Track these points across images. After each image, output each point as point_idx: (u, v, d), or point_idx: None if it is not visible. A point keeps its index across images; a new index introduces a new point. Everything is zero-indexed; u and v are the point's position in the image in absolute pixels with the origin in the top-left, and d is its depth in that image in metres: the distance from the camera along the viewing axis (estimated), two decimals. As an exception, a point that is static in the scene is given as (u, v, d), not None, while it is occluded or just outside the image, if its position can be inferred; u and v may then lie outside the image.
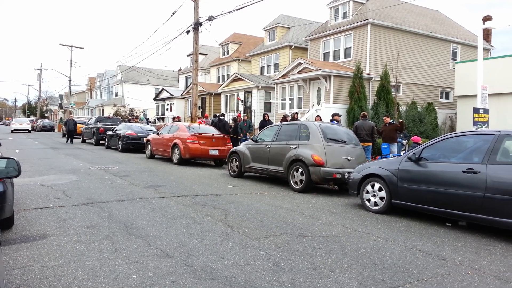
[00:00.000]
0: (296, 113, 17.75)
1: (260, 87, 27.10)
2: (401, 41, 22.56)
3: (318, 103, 21.86)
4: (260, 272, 3.94)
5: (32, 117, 69.70)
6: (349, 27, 22.94)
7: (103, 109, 53.18)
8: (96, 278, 3.64)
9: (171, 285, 3.55)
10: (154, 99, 43.48)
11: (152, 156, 16.07)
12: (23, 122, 44.49)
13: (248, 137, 16.44)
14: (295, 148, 9.51)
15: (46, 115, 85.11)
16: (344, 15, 24.14)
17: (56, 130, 48.13)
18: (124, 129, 19.59)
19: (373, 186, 7.25)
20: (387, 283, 3.82)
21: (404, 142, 14.71)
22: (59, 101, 73.15)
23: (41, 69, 60.97)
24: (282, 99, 25.02)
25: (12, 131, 39.97)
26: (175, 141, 14.29)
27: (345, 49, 23.56)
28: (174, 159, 14.22)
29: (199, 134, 13.97)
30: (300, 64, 22.78)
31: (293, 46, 28.04)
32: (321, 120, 15.08)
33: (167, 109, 39.56)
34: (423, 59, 23.44)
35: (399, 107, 20.34)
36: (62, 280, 3.56)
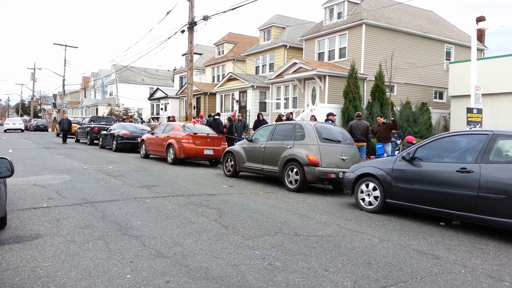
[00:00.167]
0: (291, 113, 17.78)
1: (255, 87, 27.10)
2: (396, 41, 22.66)
3: (313, 103, 21.90)
4: (254, 272, 3.94)
5: (26, 117, 69.27)
6: (344, 27, 23.01)
7: (97, 109, 52.91)
8: (90, 278, 3.62)
9: (165, 285, 3.54)
10: (149, 99, 43.35)
11: (146, 156, 16.02)
12: (16, 121, 44.22)
13: (242, 137, 16.45)
14: (290, 147, 9.52)
15: (39, 114, 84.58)
16: (339, 15, 24.21)
17: (49, 129, 47.85)
18: (118, 128, 19.51)
19: (367, 186, 7.27)
20: (381, 282, 3.83)
21: (398, 141, 14.79)
22: (53, 101, 72.75)
23: (34, 68, 60.60)
24: (277, 99, 25.04)
25: (5, 131, 39.69)
26: (170, 140, 14.25)
27: (340, 49, 23.62)
28: (169, 159, 14.18)
29: (194, 133, 13.95)
30: (295, 64, 22.81)
31: (288, 46, 28.07)
32: (316, 120, 15.12)
33: (161, 109, 39.46)
34: (417, 59, 23.57)
35: (393, 107, 20.43)
36: (56, 281, 3.54)
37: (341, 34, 23.45)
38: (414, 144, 11.82)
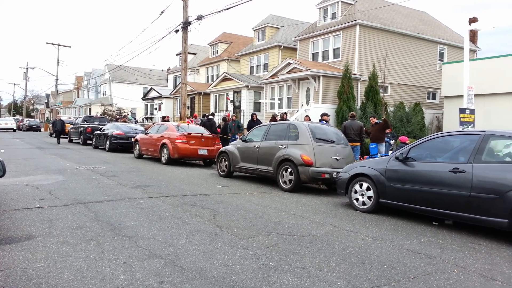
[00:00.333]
0: (285, 113, 17.81)
1: (249, 87, 27.10)
2: (389, 42, 22.78)
3: (307, 103, 21.94)
4: (248, 272, 3.93)
5: (18, 117, 68.68)
6: (337, 28, 23.08)
7: (90, 109, 52.61)
8: (82, 279, 3.60)
9: (159, 285, 3.53)
10: (143, 99, 43.19)
11: (140, 156, 15.95)
12: (8, 121, 43.86)
13: (236, 137, 16.43)
14: (284, 148, 9.53)
15: (32, 114, 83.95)
16: (333, 15, 24.28)
17: (42, 129, 47.50)
18: (111, 128, 19.41)
19: (361, 186, 7.30)
20: (375, 282, 3.85)
21: (392, 142, 14.86)
22: (46, 100, 72.25)
23: (27, 68, 60.13)
24: (271, 99, 25.06)
25: (-3, 131, 39.30)
26: (163, 140, 14.20)
27: (334, 49, 23.69)
28: (163, 159, 14.13)
29: (188, 133, 13.91)
30: (289, 64, 22.84)
31: (282, 46, 28.10)
32: (310, 120, 15.15)
33: (155, 109, 39.34)
34: (411, 60, 23.71)
35: (387, 108, 20.53)
36: (48, 282, 3.51)
37: (335, 35, 23.52)
38: (407, 144, 11.89)
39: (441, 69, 22.45)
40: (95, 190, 8.14)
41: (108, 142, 18.49)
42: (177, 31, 19.82)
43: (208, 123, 17.93)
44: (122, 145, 18.27)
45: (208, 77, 37.06)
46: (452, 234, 5.90)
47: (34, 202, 6.75)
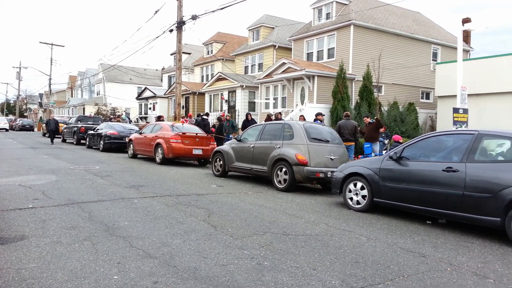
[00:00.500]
0: (280, 112, 17.82)
1: (244, 86, 27.09)
2: (383, 42, 22.87)
3: (302, 102, 21.98)
4: (243, 272, 3.93)
5: (11, 116, 68.13)
6: (332, 28, 23.14)
7: (84, 108, 52.33)
8: (76, 279, 3.58)
9: (153, 285, 3.51)
10: (137, 98, 43.03)
11: (134, 156, 15.89)
12: (0, 121, 43.51)
13: (231, 136, 16.41)
14: (279, 147, 9.53)
15: (25, 114, 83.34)
16: (328, 15, 24.33)
17: (35, 129, 47.17)
18: (105, 128, 19.31)
19: (355, 185, 7.33)
20: (369, 281, 3.86)
21: (386, 141, 14.93)
22: (39, 100, 71.77)
23: (20, 67, 59.64)
24: (266, 99, 25.07)
25: (-11, 131, 38.96)
26: (158, 140, 14.15)
27: (329, 49, 23.75)
28: (157, 159, 14.08)
29: (183, 133, 13.87)
30: (284, 64, 22.86)
31: (277, 46, 28.13)
32: (304, 119, 15.17)
33: (150, 108, 39.21)
34: (405, 60, 23.83)
35: (381, 107, 20.63)
36: (41, 283, 3.49)
37: (329, 35, 23.58)
38: (401, 143, 11.95)
39: (434, 69, 22.58)
40: (89, 190, 8.10)
41: (102, 142, 18.40)
42: (171, 30, 19.76)
43: (202, 123, 17.90)
44: (116, 145, 18.18)
45: (202, 76, 37.00)
46: (445, 232, 5.94)
47: (27, 202, 6.70)
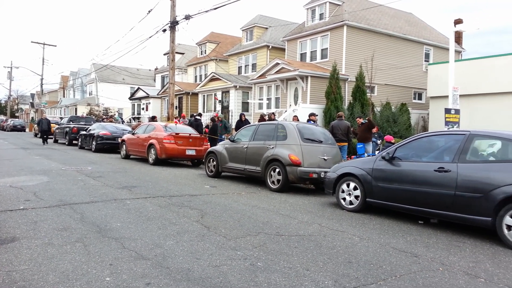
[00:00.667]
0: (273, 113, 17.83)
1: (237, 87, 27.08)
2: (376, 42, 22.98)
3: (295, 103, 22.02)
4: (236, 272, 3.93)
5: (2, 117, 67.42)
6: (325, 28, 23.21)
7: (76, 109, 51.97)
8: (68, 281, 3.55)
9: (146, 287, 3.50)
10: (130, 99, 42.81)
11: (127, 157, 15.81)
12: (-9, 121, 43.04)
13: (223, 137, 16.40)
14: (272, 148, 9.54)
15: (16, 114, 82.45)
16: (321, 16, 24.40)
17: (27, 130, 46.74)
18: (98, 128, 19.19)
19: (348, 185, 7.35)
20: (361, 281, 3.88)
21: (379, 141, 15.01)
22: (31, 100, 71.08)
23: (11, 67, 59.12)
24: (259, 99, 25.07)
25: (-20, 131, 38.52)
26: (151, 141, 14.09)
27: (322, 50, 23.82)
28: (150, 160, 14.03)
29: (176, 134, 13.83)
30: (277, 64, 22.89)
31: (270, 46, 28.15)
32: (298, 120, 15.20)
33: (143, 109, 39.04)
34: (397, 61, 23.97)
35: (373, 108, 20.73)
36: (32, 285, 3.45)
37: (322, 35, 23.65)
38: (393, 143, 12.02)
39: (427, 69, 22.74)
40: (81, 191, 8.04)
41: (94, 143, 18.28)
42: (164, 30, 19.70)
43: (195, 123, 17.87)
44: (109, 145, 18.07)
45: (196, 77, 36.92)
46: (437, 232, 5.98)
47: (18, 203, 6.64)
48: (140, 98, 39.60)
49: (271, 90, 24.40)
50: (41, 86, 48.73)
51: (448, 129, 11.94)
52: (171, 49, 19.88)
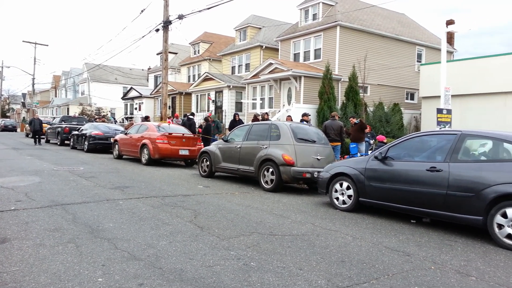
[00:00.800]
0: (267, 113, 17.83)
1: (231, 87, 27.05)
2: (369, 43, 23.09)
3: (289, 103, 22.05)
4: (229, 272, 3.92)
5: (-7, 117, 66.69)
6: (318, 29, 23.27)
7: (68, 108, 51.58)
8: (60, 282, 3.52)
9: None
10: (122, 98, 42.57)
11: (120, 157, 15.72)
12: (-18, 122, 42.58)
13: (216, 137, 16.38)
14: (266, 148, 9.55)
15: (8, 114, 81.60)
16: (314, 16, 24.46)
17: (18, 130, 46.31)
18: (90, 128, 19.06)
19: (341, 185, 7.38)
20: (354, 280, 3.90)
21: (371, 141, 15.08)
22: (22, 100, 70.48)
23: (2, 67, 58.45)
24: (253, 99, 25.08)
25: (-30, 131, 38.08)
26: (144, 141, 14.03)
27: (315, 50, 23.87)
28: (143, 160, 13.96)
29: (169, 134, 13.78)
30: (271, 64, 22.90)
31: (264, 47, 28.16)
32: (292, 120, 15.22)
33: (135, 109, 38.85)
34: (390, 61, 24.10)
35: (366, 108, 20.83)
36: (23, 286, 3.42)
37: (316, 35, 23.71)
38: (385, 143, 12.08)
39: (419, 70, 22.89)
40: (73, 191, 7.98)
41: (86, 143, 18.15)
42: (157, 30, 19.62)
43: (187, 123, 17.82)
44: (101, 145, 17.96)
45: (189, 76, 36.82)
46: (429, 231, 6.02)
47: (9, 204, 6.57)
48: (133, 98, 39.40)
49: (264, 90, 24.41)
50: (33, 86, 48.29)
51: (440, 129, 12.03)
52: (164, 48, 19.81)
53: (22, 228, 5.20)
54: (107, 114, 39.79)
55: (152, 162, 13.73)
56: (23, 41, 47.33)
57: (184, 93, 32.22)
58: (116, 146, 15.83)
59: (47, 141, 24.75)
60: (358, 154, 12.69)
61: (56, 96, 68.53)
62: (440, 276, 4.14)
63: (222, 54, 32.17)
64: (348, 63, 21.45)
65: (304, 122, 12.71)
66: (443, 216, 5.94)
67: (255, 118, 16.61)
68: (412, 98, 26.01)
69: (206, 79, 29.33)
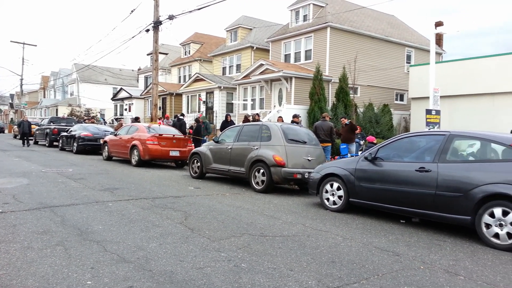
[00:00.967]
0: (258, 114, 17.84)
1: (222, 87, 27.01)
2: (359, 44, 23.23)
3: (280, 104, 22.09)
4: (220, 274, 3.91)
5: (-20, 118, 65.72)
6: (309, 30, 23.35)
7: (57, 109, 50.99)
8: (48, 285, 3.48)
9: (128, 290, 3.45)
10: (112, 99, 42.24)
11: (109, 158, 15.59)
12: (-31, 123, 41.92)
13: (205, 139, 16.33)
14: (257, 148, 9.55)
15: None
16: (305, 17, 24.55)
17: (6, 131, 45.67)
18: (79, 130, 18.88)
19: (332, 186, 7.41)
20: (344, 280, 3.91)
21: (362, 142, 15.17)
22: (10, 101, 69.52)
23: (-11, 67, 57.59)
24: (244, 100, 25.07)
25: (-44, 132, 37.47)
26: (134, 142, 13.94)
27: (306, 51, 23.95)
28: (133, 161, 13.87)
29: (159, 135, 13.71)
30: (261, 65, 22.92)
31: (254, 47, 28.18)
32: (283, 121, 15.25)
33: (125, 109, 38.57)
34: (379, 62, 24.27)
35: (356, 109, 20.96)
36: (10, 290, 3.37)
37: (306, 37, 23.79)
38: (375, 144, 12.17)
39: (408, 71, 23.08)
40: (62, 193, 7.89)
41: (75, 144, 17.97)
42: (147, 30, 19.51)
43: (178, 123, 17.75)
44: (90, 146, 17.80)
45: (180, 77, 36.67)
46: (418, 231, 6.07)
47: (-4, 207, 6.47)
48: (123, 99, 39.11)
49: (255, 91, 24.42)
50: (21, 87, 47.70)
51: (429, 129, 12.15)
52: (154, 49, 19.71)
53: (9, 231, 5.12)
54: (97, 115, 39.43)
55: (142, 163, 13.65)
56: (11, 41, 46.79)
57: (174, 94, 32.09)
58: (106, 147, 15.70)
59: (36, 143, 24.46)
60: (349, 155, 12.75)
61: (44, 97, 67.72)
62: (429, 275, 4.17)
63: (213, 55, 32.11)
64: (338, 64, 21.57)
65: (295, 124, 12.74)
66: (432, 216, 6.00)
67: (246, 119, 16.61)
68: (401, 99, 26.23)
69: (197, 80, 29.24)
